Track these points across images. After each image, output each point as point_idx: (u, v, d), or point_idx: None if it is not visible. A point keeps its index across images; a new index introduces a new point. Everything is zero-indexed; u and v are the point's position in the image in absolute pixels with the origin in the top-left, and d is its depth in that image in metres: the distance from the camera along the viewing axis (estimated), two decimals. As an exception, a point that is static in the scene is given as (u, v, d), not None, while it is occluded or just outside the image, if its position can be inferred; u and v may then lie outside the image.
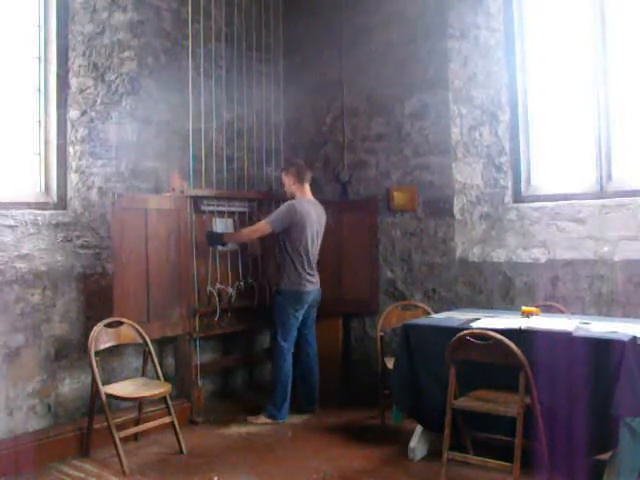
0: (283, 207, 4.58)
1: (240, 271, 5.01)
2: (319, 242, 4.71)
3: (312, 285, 4.61)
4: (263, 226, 4.58)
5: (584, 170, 4.69)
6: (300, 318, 4.61)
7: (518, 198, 4.99)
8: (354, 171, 5.44)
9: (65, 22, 4.33)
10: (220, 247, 4.78)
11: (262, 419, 4.51)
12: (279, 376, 4.53)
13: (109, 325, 3.97)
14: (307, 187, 4.71)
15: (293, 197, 4.66)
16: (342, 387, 5.23)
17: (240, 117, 5.29)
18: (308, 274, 4.57)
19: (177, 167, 4.77)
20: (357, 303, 5.29)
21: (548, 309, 4.13)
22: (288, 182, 4.70)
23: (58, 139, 4.33)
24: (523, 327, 3.45)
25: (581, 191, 4.65)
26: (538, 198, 4.87)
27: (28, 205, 4.14)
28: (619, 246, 4.30)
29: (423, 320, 4.07)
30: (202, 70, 4.91)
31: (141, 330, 4.05)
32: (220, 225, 4.90)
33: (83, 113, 4.39)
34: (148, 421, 4.03)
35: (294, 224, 4.49)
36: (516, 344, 3.18)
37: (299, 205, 4.56)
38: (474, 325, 3.56)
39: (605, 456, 3.23)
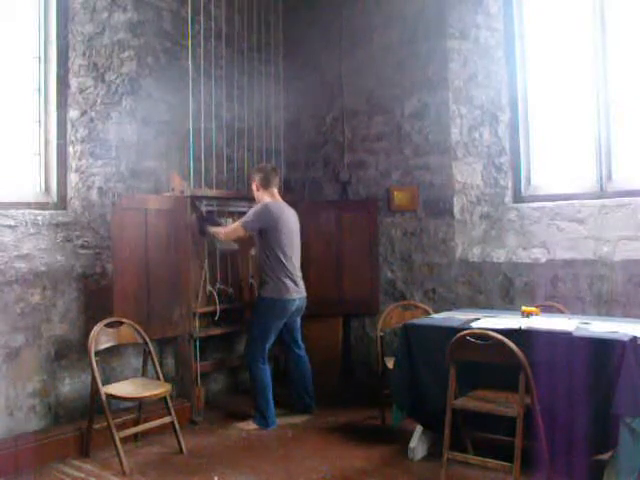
0: (256, 208, 4.44)
1: (240, 271, 5.00)
2: (299, 246, 4.54)
3: (297, 293, 4.42)
4: (237, 228, 4.43)
5: (584, 170, 4.70)
6: (280, 326, 4.46)
7: (518, 198, 5.00)
8: (354, 171, 5.44)
9: (65, 22, 4.33)
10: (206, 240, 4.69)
11: (252, 425, 4.42)
12: (257, 385, 4.41)
13: (109, 325, 3.97)
14: (275, 191, 4.52)
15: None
16: (342, 387, 5.24)
17: (240, 117, 5.29)
18: (292, 281, 4.38)
19: (177, 167, 4.77)
20: (357, 303, 5.29)
21: (548, 309, 4.12)
22: (253, 188, 4.55)
23: (58, 139, 4.33)
24: (523, 327, 3.45)
25: (581, 191, 4.65)
26: (538, 198, 4.88)
27: (28, 205, 4.14)
28: (619, 246, 4.30)
29: (423, 320, 4.06)
30: (202, 70, 4.90)
31: (141, 330, 4.05)
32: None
33: (83, 113, 4.39)
34: (148, 421, 4.02)
35: (269, 226, 4.34)
36: (516, 344, 3.17)
37: (272, 206, 4.41)
38: (474, 325, 3.56)
39: (605, 456, 3.23)
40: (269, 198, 4.48)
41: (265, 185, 4.49)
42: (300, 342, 4.70)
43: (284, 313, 4.40)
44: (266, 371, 4.44)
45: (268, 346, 4.45)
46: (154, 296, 4.33)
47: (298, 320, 4.64)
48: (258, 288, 4.68)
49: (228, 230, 4.55)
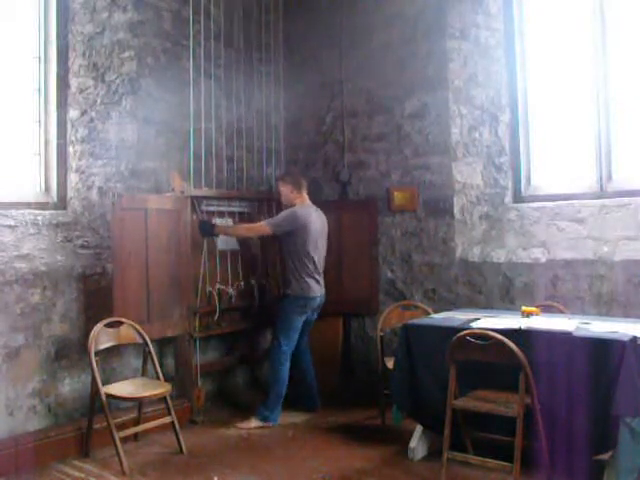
0: (285, 212, 4.60)
1: (240, 271, 5.00)
2: (325, 247, 4.73)
3: (319, 290, 4.63)
4: (262, 227, 4.60)
5: (584, 170, 4.70)
6: (302, 322, 4.61)
7: (518, 198, 4.99)
8: (354, 171, 5.44)
9: (65, 22, 4.34)
10: (213, 238, 4.74)
11: (254, 423, 4.44)
12: (276, 379, 4.50)
13: (109, 325, 3.97)
14: (305, 194, 4.71)
15: (292, 206, 4.64)
16: (342, 387, 5.23)
17: (240, 117, 5.29)
18: (315, 280, 4.59)
19: (177, 167, 4.77)
20: (357, 303, 5.29)
21: (548, 309, 4.12)
22: (286, 191, 4.68)
23: (58, 139, 4.34)
24: (523, 327, 3.45)
25: (581, 191, 4.65)
26: (538, 198, 4.88)
27: (28, 205, 4.15)
28: (619, 246, 4.30)
29: (423, 320, 4.07)
30: (202, 70, 4.90)
31: (141, 330, 4.05)
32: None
33: (83, 113, 4.39)
34: (148, 421, 4.03)
35: (297, 230, 4.50)
36: (516, 344, 3.18)
37: (301, 211, 4.57)
38: (474, 325, 3.56)
39: (605, 456, 3.23)
40: (300, 201, 4.66)
41: (298, 189, 4.67)
42: (303, 346, 4.76)
43: (306, 309, 4.59)
44: (287, 367, 4.55)
45: (292, 343, 4.57)
46: (154, 296, 4.33)
47: (312, 320, 4.76)
48: (283, 287, 4.88)
49: (249, 226, 4.80)
